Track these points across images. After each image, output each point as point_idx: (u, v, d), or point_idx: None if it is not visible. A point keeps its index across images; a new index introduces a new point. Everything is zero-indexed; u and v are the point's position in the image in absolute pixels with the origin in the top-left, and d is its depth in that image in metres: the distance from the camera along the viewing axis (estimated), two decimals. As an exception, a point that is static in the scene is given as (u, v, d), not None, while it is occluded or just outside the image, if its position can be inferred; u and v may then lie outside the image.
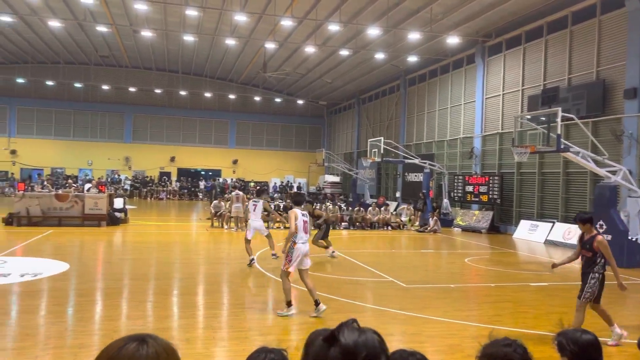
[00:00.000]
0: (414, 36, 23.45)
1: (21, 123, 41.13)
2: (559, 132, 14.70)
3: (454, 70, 26.83)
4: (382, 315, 8.03)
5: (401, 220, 23.40)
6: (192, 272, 11.38)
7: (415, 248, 17.39)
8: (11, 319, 7.37)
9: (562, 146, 14.53)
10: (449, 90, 27.27)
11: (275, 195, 40.36)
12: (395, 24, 23.60)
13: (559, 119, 14.65)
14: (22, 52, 36.16)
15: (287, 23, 24.20)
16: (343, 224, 22.08)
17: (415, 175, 28.98)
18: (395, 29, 23.63)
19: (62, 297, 8.77)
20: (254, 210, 12.82)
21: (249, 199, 17.36)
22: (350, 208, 23.75)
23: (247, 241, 12.50)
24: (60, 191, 22.26)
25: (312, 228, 11.31)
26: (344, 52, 28.12)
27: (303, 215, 8.12)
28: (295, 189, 43.31)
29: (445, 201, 24.59)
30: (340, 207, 23.47)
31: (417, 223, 23.43)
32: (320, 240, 13.91)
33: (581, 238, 6.97)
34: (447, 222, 23.51)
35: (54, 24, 27.29)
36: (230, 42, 28.44)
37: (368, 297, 9.49)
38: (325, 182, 41.23)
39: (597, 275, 6.65)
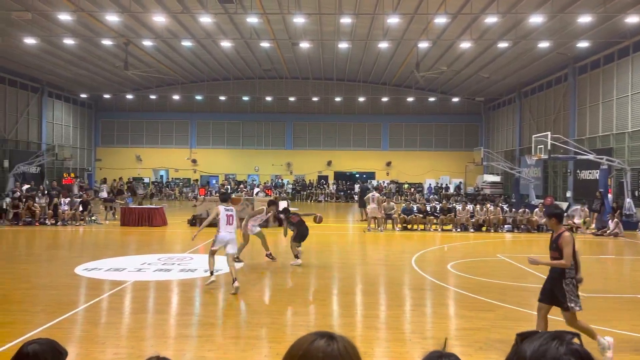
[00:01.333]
0: (584, 19, 21.21)
1: (200, 135, 46.34)
2: None
3: (635, 53, 23.64)
4: (555, 325, 7.36)
5: (574, 223, 21.25)
6: (351, 273, 11.67)
7: (592, 253, 15.65)
8: (197, 310, 8.32)
9: None
10: (629, 75, 24.10)
11: (431, 197, 39.63)
12: (562, 9, 21.59)
13: None
14: (199, 72, 40.76)
15: (440, 20, 23.63)
16: (506, 226, 20.80)
17: (590, 173, 26.12)
18: (562, 13, 21.61)
19: (241, 290, 9.64)
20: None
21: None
22: (513, 209, 22.26)
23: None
24: (233, 195, 24.52)
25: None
26: (503, 45, 26.55)
27: (227, 210, 9.79)
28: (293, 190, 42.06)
29: (628, 201, 21.73)
30: (502, 209, 22.14)
31: (593, 226, 21.09)
32: (294, 243, 12.53)
33: (551, 237, 6.24)
34: (630, 224, 20.75)
35: (225, 44, 30.25)
36: (383, 45, 28.68)
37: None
38: (484, 182, 39.27)
39: (569, 280, 5.92)
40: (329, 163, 45.59)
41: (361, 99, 43.15)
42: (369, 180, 43.75)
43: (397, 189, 42.53)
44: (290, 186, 43.62)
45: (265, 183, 41.90)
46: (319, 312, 8.12)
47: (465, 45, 27.05)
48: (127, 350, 6.17)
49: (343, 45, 29.71)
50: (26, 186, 27.98)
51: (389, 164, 45.33)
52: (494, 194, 36.53)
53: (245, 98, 44.24)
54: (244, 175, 45.30)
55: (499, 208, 21.85)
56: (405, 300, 9.21)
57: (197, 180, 44.79)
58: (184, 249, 14.82)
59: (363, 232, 19.64)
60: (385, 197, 23.64)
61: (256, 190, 34.48)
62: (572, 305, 5.87)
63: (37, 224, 20.82)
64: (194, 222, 20.89)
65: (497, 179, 39.01)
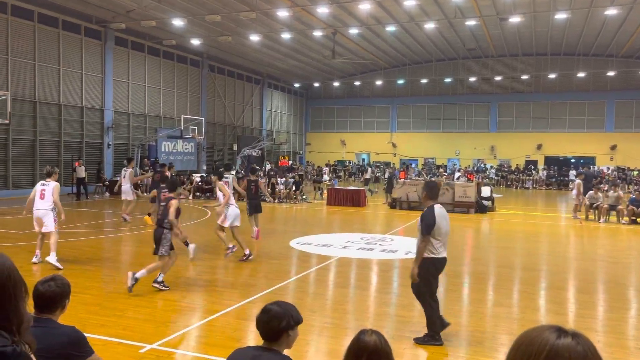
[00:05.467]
0: None
1: (400, 119, 46.89)
2: None
3: None
4: None
5: None
6: (563, 266, 10.64)
7: None
8: (395, 290, 8.53)
9: None
10: None
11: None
12: None
13: None
14: (401, 56, 41.05)
15: (689, -26, 19.64)
16: None
17: None
18: None
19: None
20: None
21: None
22: None
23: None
24: (434, 179, 24.32)
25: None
26: None
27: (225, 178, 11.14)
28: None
29: None
30: None
31: None
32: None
33: None
34: None
35: (429, 26, 29.89)
36: (611, 11, 25.05)
37: None
38: None
39: None
40: (539, 146, 41.93)
41: (580, 75, 38.50)
42: (590, 166, 38.98)
43: (623, 176, 37.09)
44: (494, 171, 41.38)
45: (466, 167, 40.55)
46: (525, 305, 7.62)
47: None
48: (333, 321, 6.67)
49: (560, 15, 26.81)
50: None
51: (613, 147, 39.74)
52: None
53: (448, 80, 43.16)
54: (444, 159, 44.46)
55: None
56: (632, 303, 8.06)
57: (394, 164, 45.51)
58: (384, 230, 15.29)
59: (579, 223, 17.70)
60: (607, 185, 20.85)
61: (457, 174, 33.64)
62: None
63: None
64: (394, 204, 21.32)
65: None
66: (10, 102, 18.92)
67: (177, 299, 7.50)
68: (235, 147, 38.56)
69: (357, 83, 45.89)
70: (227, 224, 10.23)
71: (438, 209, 5.93)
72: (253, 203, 12.53)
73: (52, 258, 9.21)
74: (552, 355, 1.16)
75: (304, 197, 24.10)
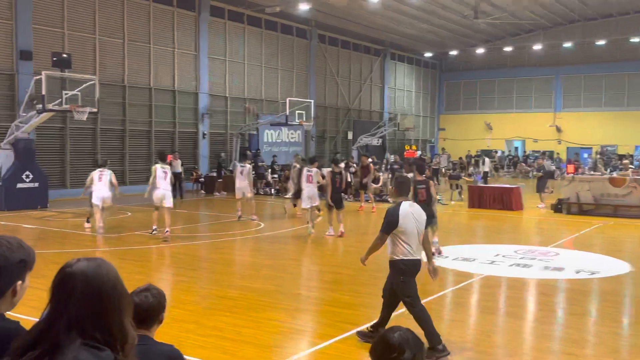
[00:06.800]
0: None
1: (567, 94, 44.43)
2: None
3: None
4: None
5: None
6: None
7: None
8: (561, 319, 8.10)
9: None
10: None
11: None
12: None
13: None
14: (569, 11, 38.80)
15: None
16: None
17: None
18: None
19: (622, 303, 8.98)
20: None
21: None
22: None
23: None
24: (614, 174, 22.79)
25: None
26: None
27: (163, 169, 13.83)
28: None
29: None
30: None
31: None
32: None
33: None
34: None
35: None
36: None
37: None
38: None
39: None
40: None
41: None
42: None
43: None
44: None
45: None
46: None
47: None
48: (478, 356, 6.53)
49: None
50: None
51: None
52: None
53: (635, 40, 39.91)
54: (630, 147, 41.21)
55: None
56: None
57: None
58: (547, 241, 14.60)
59: None
60: None
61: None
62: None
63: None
64: (559, 207, 20.23)
65: None
66: (98, 88, 20.76)
67: (283, 319, 7.78)
68: (349, 135, 39.07)
69: (507, 49, 44.09)
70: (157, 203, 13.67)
71: (405, 207, 6.38)
72: (335, 197, 14.23)
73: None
74: None
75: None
